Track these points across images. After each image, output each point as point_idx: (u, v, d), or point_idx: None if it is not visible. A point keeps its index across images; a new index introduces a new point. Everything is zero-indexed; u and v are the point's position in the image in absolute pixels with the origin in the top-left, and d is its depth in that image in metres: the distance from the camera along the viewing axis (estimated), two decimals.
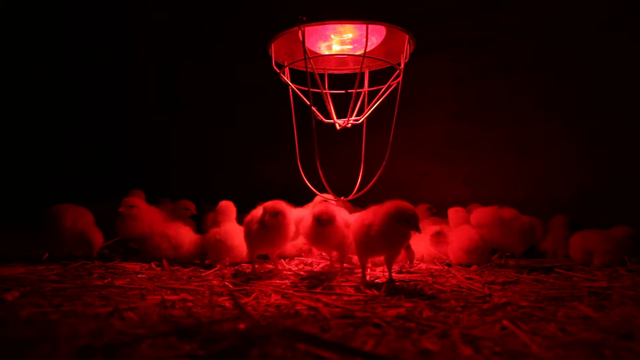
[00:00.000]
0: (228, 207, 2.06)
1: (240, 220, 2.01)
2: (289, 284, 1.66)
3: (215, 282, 1.65)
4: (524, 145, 2.85)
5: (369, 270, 1.87)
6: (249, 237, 1.83)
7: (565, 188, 2.71)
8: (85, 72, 3.93)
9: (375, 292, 1.48)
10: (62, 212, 2.00)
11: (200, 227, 2.49)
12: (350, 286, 1.58)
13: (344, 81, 2.18)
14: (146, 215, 2.13)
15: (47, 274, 1.70)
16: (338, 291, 1.50)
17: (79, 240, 2.01)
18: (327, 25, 1.83)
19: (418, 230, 1.53)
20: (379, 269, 1.91)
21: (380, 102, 2.01)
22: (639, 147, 2.54)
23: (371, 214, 1.59)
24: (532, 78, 2.85)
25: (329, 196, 1.99)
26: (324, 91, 1.97)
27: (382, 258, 1.71)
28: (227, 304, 1.33)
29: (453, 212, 2.27)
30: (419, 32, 1.89)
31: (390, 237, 1.57)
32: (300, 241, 2.15)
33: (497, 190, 2.87)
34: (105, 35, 3.91)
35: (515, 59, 2.89)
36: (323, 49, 1.96)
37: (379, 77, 2.13)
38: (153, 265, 1.99)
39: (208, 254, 2.05)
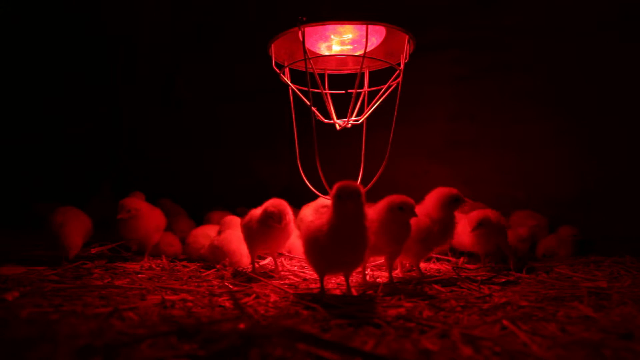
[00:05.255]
0: (232, 220, 2.12)
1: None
2: (289, 284, 1.66)
3: (215, 282, 1.65)
4: (524, 145, 2.85)
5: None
6: (249, 237, 1.83)
7: (565, 188, 2.71)
8: (85, 72, 3.93)
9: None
10: (56, 214, 1.98)
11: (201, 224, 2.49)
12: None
13: (344, 81, 2.18)
14: (147, 217, 2.11)
15: (47, 274, 1.70)
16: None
17: (64, 241, 1.94)
18: (327, 26, 1.83)
19: (414, 214, 1.60)
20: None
21: (381, 103, 2.01)
22: (638, 147, 2.54)
23: (369, 213, 1.60)
24: (532, 78, 2.85)
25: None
26: (324, 91, 1.97)
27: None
28: (227, 304, 1.33)
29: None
30: (419, 32, 1.89)
31: (390, 230, 1.59)
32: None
33: (497, 189, 2.87)
34: (106, 35, 3.91)
35: (515, 59, 2.89)
36: (323, 50, 1.96)
37: (379, 77, 2.13)
38: (153, 265, 1.99)
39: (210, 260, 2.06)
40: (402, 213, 1.59)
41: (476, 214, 2.00)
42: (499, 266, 2.02)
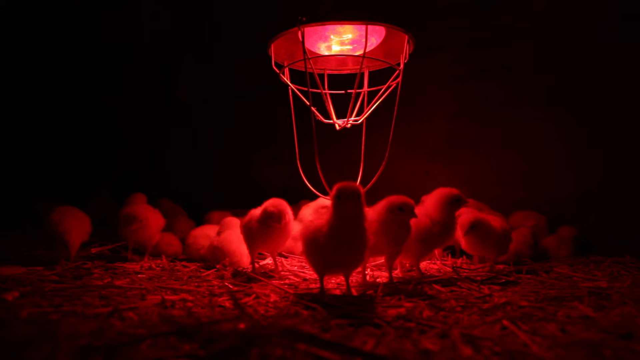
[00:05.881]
0: (231, 221, 2.13)
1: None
2: (289, 284, 1.66)
3: (215, 282, 1.65)
4: (524, 145, 2.85)
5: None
6: (249, 237, 1.83)
7: (565, 188, 2.71)
8: (85, 71, 3.93)
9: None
10: (53, 213, 1.98)
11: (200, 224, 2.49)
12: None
13: (343, 81, 2.18)
14: (152, 221, 2.13)
15: (47, 273, 1.70)
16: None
17: (61, 241, 1.92)
18: (326, 26, 1.83)
19: (414, 215, 1.59)
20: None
21: (380, 103, 2.01)
22: (638, 147, 2.54)
23: (369, 214, 1.60)
24: (531, 78, 2.84)
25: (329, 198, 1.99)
26: (324, 91, 1.97)
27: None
28: (227, 304, 1.33)
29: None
30: (419, 32, 1.89)
31: (390, 230, 1.59)
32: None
33: (497, 190, 2.87)
34: (106, 34, 3.91)
35: (515, 59, 2.89)
36: (323, 50, 1.96)
37: (379, 77, 2.13)
38: (153, 265, 1.99)
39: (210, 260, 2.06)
40: (402, 214, 1.59)
41: (467, 217, 1.92)
42: (499, 266, 2.02)
